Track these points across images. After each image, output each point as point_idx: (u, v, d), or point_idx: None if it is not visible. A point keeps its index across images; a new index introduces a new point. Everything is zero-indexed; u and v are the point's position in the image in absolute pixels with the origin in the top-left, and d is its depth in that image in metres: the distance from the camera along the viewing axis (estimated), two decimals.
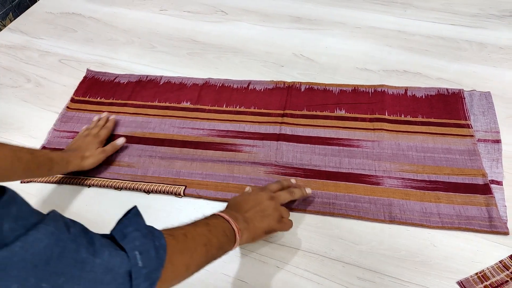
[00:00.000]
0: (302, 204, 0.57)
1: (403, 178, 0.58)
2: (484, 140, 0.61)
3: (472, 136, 0.61)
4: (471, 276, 0.48)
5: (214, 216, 0.47)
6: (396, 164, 0.60)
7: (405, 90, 0.69)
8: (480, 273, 0.48)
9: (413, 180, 0.58)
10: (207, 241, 0.42)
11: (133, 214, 0.39)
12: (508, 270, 0.47)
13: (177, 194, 0.60)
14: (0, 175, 0.45)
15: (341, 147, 0.63)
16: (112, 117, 0.71)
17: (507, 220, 0.52)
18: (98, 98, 0.77)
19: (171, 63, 0.81)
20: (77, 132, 0.70)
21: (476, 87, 0.68)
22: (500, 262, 0.49)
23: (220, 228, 0.45)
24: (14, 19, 1.03)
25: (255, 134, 0.66)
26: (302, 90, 0.72)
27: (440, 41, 0.78)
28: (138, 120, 0.72)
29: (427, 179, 0.58)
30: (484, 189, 0.55)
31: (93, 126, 0.68)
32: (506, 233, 0.51)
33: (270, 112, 0.70)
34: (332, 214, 0.55)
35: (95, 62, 0.84)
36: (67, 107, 0.76)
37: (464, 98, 0.67)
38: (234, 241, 0.45)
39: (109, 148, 0.65)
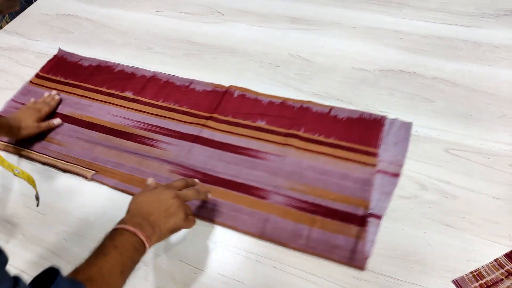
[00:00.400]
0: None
1: (289, 196, 0.60)
2: (384, 172, 0.60)
3: (374, 165, 0.61)
4: (466, 275, 0.49)
5: (119, 232, 0.45)
6: (289, 182, 0.61)
7: (330, 109, 0.70)
8: (476, 271, 0.49)
9: (298, 200, 0.59)
10: (122, 267, 0.43)
11: (59, 281, 0.37)
12: (503, 269, 0.47)
13: (85, 178, 0.66)
14: None
15: (247, 157, 0.65)
16: (57, 97, 0.79)
17: (368, 256, 0.53)
18: (58, 77, 0.84)
19: (168, 64, 0.83)
20: None
21: (469, 85, 0.69)
22: (495, 260, 0.49)
23: (129, 245, 0.44)
24: (10, 20, 1.04)
25: (175, 133, 0.71)
26: (235, 96, 0.75)
27: (436, 41, 0.78)
28: (82, 102, 0.78)
29: (311, 201, 0.59)
30: (361, 221, 0.56)
31: (40, 101, 0.76)
32: (361, 268, 0.52)
33: (198, 113, 0.73)
34: (211, 221, 0.59)
35: None
36: (30, 81, 0.85)
37: (384, 125, 0.66)
38: (144, 250, 0.46)
39: (44, 125, 0.73)
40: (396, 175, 0.60)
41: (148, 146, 0.69)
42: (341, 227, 0.56)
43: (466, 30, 0.80)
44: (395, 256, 0.53)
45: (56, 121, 0.74)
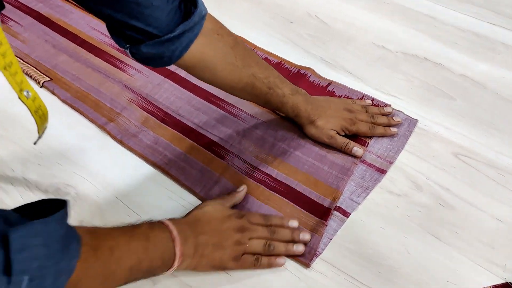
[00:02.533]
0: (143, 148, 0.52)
1: (250, 164, 0.51)
2: (369, 165, 0.51)
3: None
4: None
5: (160, 226, 0.38)
6: (256, 148, 0.52)
7: (328, 83, 0.60)
8: None
9: (259, 170, 0.50)
10: (136, 263, 0.34)
11: (54, 219, 0.27)
12: None
13: (37, 82, 0.58)
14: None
15: (218, 109, 0.56)
16: None
17: (319, 254, 0.44)
18: None
19: None
20: (16, 1, 0.69)
21: (500, 92, 0.60)
22: None
23: (160, 248, 0.37)
24: None
25: None
26: None
27: (473, 37, 0.68)
28: (65, 7, 0.70)
29: (273, 176, 0.50)
30: (323, 213, 0.46)
31: None
32: (306, 265, 0.43)
33: None
34: (155, 165, 0.50)
35: None
36: None
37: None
38: (169, 267, 0.37)
39: (341, 140, 0.52)
40: (382, 171, 0.50)
41: (116, 68, 0.61)
42: (298, 213, 0.46)
43: (510, 34, 0.70)
44: (363, 255, 0.44)
45: (356, 149, 0.51)
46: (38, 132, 0.42)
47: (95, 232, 0.34)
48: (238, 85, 0.46)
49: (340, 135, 0.52)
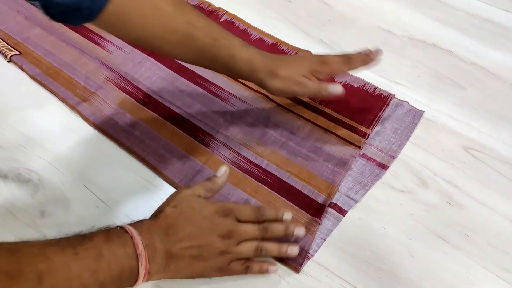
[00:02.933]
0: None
1: (238, 153, 0.45)
2: (369, 159, 0.46)
3: (359, 147, 0.46)
4: None
5: (121, 237, 0.31)
6: (245, 136, 0.47)
7: None
8: None
9: (248, 160, 0.45)
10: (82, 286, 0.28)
11: None
12: None
13: (4, 56, 0.52)
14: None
15: (206, 92, 0.51)
16: None
17: (311, 257, 0.39)
18: None
19: None
20: None
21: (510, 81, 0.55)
22: None
23: (116, 269, 0.29)
24: None
25: None
26: (221, 20, 0.60)
27: (486, 24, 0.64)
28: None
29: (263, 167, 0.45)
30: (316, 210, 0.41)
31: None
32: (295, 271, 0.38)
33: None
34: (132, 151, 0.45)
35: None
36: None
37: (387, 105, 0.51)
38: (130, 284, 0.31)
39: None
40: (383, 166, 0.45)
41: (93, 44, 0.55)
42: (289, 209, 0.40)
43: None
44: (361, 258, 0.39)
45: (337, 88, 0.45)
46: None
47: (18, 251, 0.26)
48: (173, 37, 0.38)
49: None
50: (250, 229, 0.36)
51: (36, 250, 0.27)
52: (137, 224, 0.33)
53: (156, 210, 0.36)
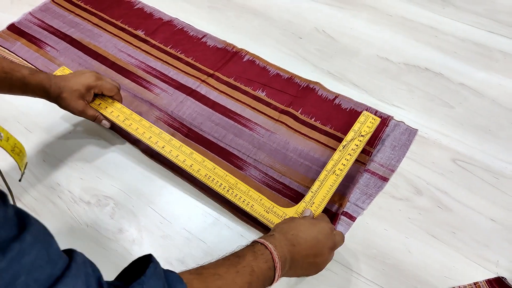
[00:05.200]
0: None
1: (266, 174, 0.57)
2: (372, 173, 0.56)
3: (364, 164, 0.56)
4: None
5: (263, 254, 0.39)
6: (270, 159, 0.58)
7: (335, 96, 0.65)
8: None
9: (274, 179, 0.56)
10: None
11: (149, 276, 0.30)
12: None
13: None
14: None
15: (236, 124, 0.62)
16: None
17: None
18: (79, 1, 0.82)
19: (189, 13, 0.80)
20: (51, 27, 0.77)
21: (497, 99, 0.64)
22: (475, 284, 0.46)
23: (262, 280, 0.38)
24: None
25: (174, 81, 0.68)
26: (244, 59, 0.71)
27: (472, 46, 0.73)
28: (94, 31, 0.76)
29: (287, 184, 0.56)
30: (331, 218, 0.52)
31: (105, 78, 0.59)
32: None
33: (201, 68, 0.70)
34: (185, 178, 0.56)
35: None
36: (52, 0, 0.83)
37: (387, 126, 0.61)
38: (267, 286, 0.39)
39: (91, 112, 0.56)
40: (384, 179, 0.55)
41: (143, 88, 0.67)
42: None
43: (509, 43, 0.72)
44: (369, 255, 0.50)
45: (105, 122, 0.58)
46: (20, 169, 0.43)
47: (201, 274, 0.35)
48: None
49: (92, 101, 0.56)
50: (340, 239, 0.45)
51: (212, 271, 0.36)
52: (272, 240, 0.41)
53: (277, 228, 0.44)
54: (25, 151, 0.44)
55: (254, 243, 0.41)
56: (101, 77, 0.57)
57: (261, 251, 0.39)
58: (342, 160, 0.54)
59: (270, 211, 0.51)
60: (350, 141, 0.55)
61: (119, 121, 0.57)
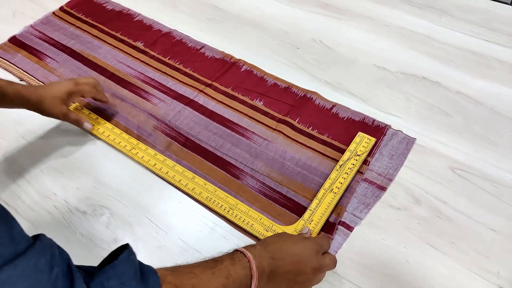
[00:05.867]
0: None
1: (263, 183, 0.56)
2: (370, 182, 0.55)
3: (362, 173, 0.56)
4: None
5: (241, 261, 0.38)
6: (267, 168, 0.58)
7: (332, 106, 0.65)
8: None
9: (271, 189, 0.56)
10: None
11: (121, 261, 0.31)
12: None
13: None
14: None
15: (233, 133, 0.62)
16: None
17: None
18: (80, 14, 0.84)
19: (188, 25, 0.81)
20: (52, 39, 0.78)
21: (495, 108, 0.64)
22: None
23: (239, 283, 0.37)
24: None
25: (172, 92, 0.68)
26: (242, 69, 0.71)
27: (469, 55, 0.73)
28: (94, 42, 0.77)
29: (284, 193, 0.55)
30: (329, 228, 0.51)
31: (84, 80, 0.61)
32: None
33: (199, 78, 0.70)
34: (173, 185, 0.56)
35: None
36: (53, 12, 0.84)
37: (384, 135, 0.60)
38: None
39: (73, 116, 0.58)
40: (382, 188, 0.55)
41: (141, 98, 0.67)
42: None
43: (506, 51, 0.73)
44: (367, 265, 0.49)
45: (87, 125, 0.61)
46: None
47: (177, 271, 0.35)
48: None
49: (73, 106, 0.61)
50: (331, 263, 0.44)
51: (188, 269, 0.36)
52: (252, 249, 0.40)
53: (262, 240, 0.44)
54: None
55: (235, 251, 0.41)
56: (79, 82, 0.60)
57: (239, 258, 0.39)
58: (339, 179, 0.54)
59: (270, 229, 0.51)
60: (346, 161, 0.56)
61: (121, 148, 0.60)
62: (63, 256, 0.28)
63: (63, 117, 0.58)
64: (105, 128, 0.62)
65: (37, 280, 0.25)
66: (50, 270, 0.26)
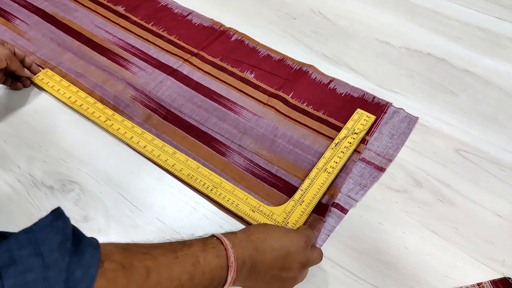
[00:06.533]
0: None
1: (251, 161, 0.51)
2: (368, 162, 0.51)
3: (359, 152, 0.51)
4: None
5: (215, 247, 0.32)
6: (256, 145, 0.53)
7: (330, 80, 0.60)
8: None
9: (259, 167, 0.51)
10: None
11: (40, 226, 0.25)
12: None
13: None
14: None
15: (220, 106, 0.57)
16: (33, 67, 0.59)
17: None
18: None
19: None
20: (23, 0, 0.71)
21: (504, 88, 0.60)
22: (478, 284, 0.42)
23: (208, 276, 0.31)
24: None
25: (154, 60, 0.62)
26: (232, 39, 0.65)
27: (478, 32, 0.68)
28: (69, 5, 0.70)
29: (273, 172, 0.50)
30: (321, 209, 0.47)
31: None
32: None
33: (185, 46, 0.64)
34: (158, 164, 0.51)
35: None
36: None
37: (385, 112, 0.56)
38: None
39: (18, 51, 0.55)
40: (381, 169, 0.50)
41: (119, 66, 0.61)
42: None
43: None
44: (361, 250, 0.45)
45: (31, 71, 0.57)
46: None
47: (129, 250, 0.29)
48: None
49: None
50: (318, 257, 0.39)
51: (144, 250, 0.30)
52: (231, 237, 0.34)
53: (244, 228, 0.38)
54: None
55: (210, 236, 0.34)
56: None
57: (214, 244, 0.33)
58: (334, 158, 0.49)
59: (257, 210, 0.46)
60: (343, 139, 0.51)
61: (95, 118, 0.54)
62: None
63: (9, 59, 0.51)
64: (77, 96, 0.56)
65: None
66: None
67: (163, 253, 0.30)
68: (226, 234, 0.35)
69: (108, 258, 0.27)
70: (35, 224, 0.25)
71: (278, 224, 0.45)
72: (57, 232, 0.25)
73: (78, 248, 0.25)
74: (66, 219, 0.26)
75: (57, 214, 0.26)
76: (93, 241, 0.27)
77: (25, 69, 0.57)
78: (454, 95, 0.59)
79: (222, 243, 0.33)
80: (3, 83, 0.55)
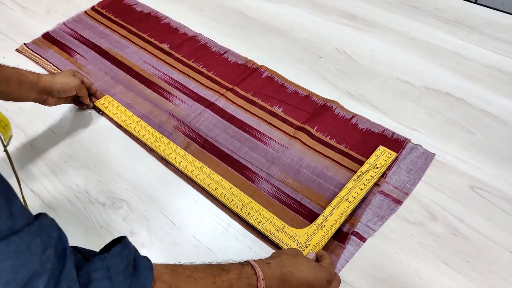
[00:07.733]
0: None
1: (278, 188, 0.57)
2: (386, 195, 0.55)
3: (378, 185, 0.56)
4: None
5: (249, 277, 0.37)
6: (282, 174, 0.58)
7: (352, 116, 0.65)
8: None
9: (285, 194, 0.56)
10: None
11: (112, 254, 0.31)
12: None
13: (98, 111, 0.68)
14: None
15: (251, 137, 0.63)
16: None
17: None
18: (111, 14, 0.87)
19: (213, 29, 0.83)
20: (82, 37, 0.81)
21: None
22: None
23: None
24: None
25: (193, 94, 0.70)
26: (263, 76, 0.72)
27: (496, 73, 0.72)
28: (122, 42, 0.80)
29: (298, 200, 0.55)
30: (341, 237, 0.51)
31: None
32: None
33: (221, 82, 0.72)
34: (191, 179, 0.57)
35: None
36: (85, 11, 0.88)
37: (403, 148, 0.60)
38: None
39: (86, 80, 0.64)
40: (398, 201, 0.54)
41: (163, 99, 0.69)
42: None
43: None
44: (378, 278, 0.48)
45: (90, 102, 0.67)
46: (4, 141, 0.47)
47: (176, 272, 0.34)
48: None
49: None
50: (336, 285, 0.43)
51: (188, 272, 0.35)
52: (265, 268, 0.39)
53: (278, 258, 0.42)
54: (10, 125, 0.53)
55: (246, 263, 0.39)
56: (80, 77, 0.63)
57: (248, 273, 0.37)
58: (356, 189, 0.54)
59: (281, 230, 0.51)
60: (365, 172, 0.56)
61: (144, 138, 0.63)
62: (61, 238, 0.29)
63: (78, 88, 0.61)
64: (131, 120, 0.64)
65: (27, 259, 0.24)
66: (43, 251, 0.26)
67: (204, 277, 0.35)
68: (261, 263, 0.39)
69: (159, 278, 0.32)
70: (108, 252, 0.31)
71: (300, 246, 0.50)
72: (123, 259, 0.31)
73: (136, 270, 0.31)
74: (131, 247, 0.33)
75: (124, 244, 0.33)
76: (148, 264, 0.33)
77: (88, 98, 0.66)
78: (471, 134, 0.63)
79: (256, 273, 0.38)
80: (73, 102, 0.66)
